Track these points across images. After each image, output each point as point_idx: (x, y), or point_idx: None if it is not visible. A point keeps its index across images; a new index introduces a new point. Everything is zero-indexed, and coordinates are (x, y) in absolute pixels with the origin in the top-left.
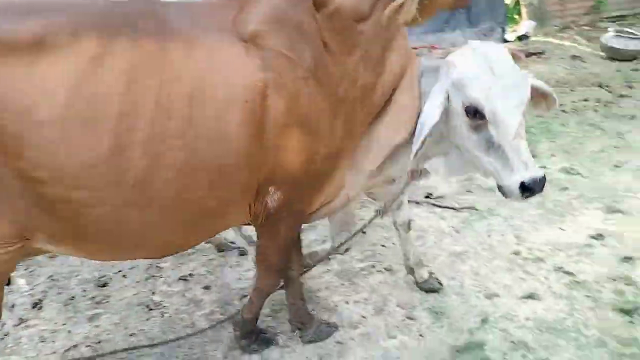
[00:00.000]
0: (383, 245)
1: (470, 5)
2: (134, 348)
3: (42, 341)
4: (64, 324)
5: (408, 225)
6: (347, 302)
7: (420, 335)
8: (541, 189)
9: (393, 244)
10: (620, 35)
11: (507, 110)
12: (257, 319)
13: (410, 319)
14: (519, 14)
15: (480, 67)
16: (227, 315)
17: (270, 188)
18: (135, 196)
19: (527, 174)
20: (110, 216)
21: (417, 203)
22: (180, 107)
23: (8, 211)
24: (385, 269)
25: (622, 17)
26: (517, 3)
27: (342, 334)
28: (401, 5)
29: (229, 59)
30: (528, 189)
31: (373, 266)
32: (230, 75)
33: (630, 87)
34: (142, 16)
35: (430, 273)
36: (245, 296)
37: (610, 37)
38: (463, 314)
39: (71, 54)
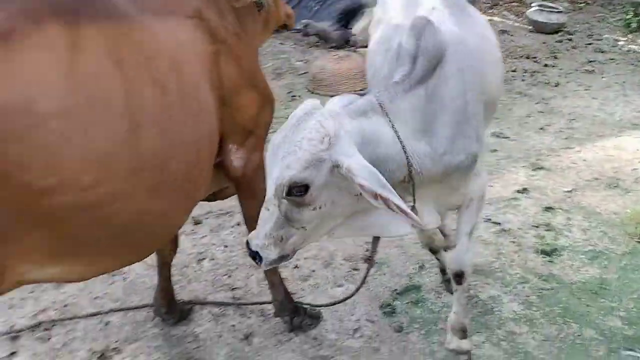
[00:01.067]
0: None
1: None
2: (99, 314)
3: (10, 308)
4: (31, 292)
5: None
6: (297, 259)
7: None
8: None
9: None
10: (543, 10)
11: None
12: (289, 295)
13: (355, 269)
14: None
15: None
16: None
17: (229, 146)
18: (155, 181)
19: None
20: (127, 213)
21: None
22: (170, 81)
23: None
24: None
25: None
26: None
27: (293, 285)
28: None
29: (186, 36)
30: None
31: None
32: (191, 50)
33: (555, 58)
34: (86, 3)
35: None
36: (201, 260)
37: (534, 11)
38: (403, 262)
39: (46, 43)
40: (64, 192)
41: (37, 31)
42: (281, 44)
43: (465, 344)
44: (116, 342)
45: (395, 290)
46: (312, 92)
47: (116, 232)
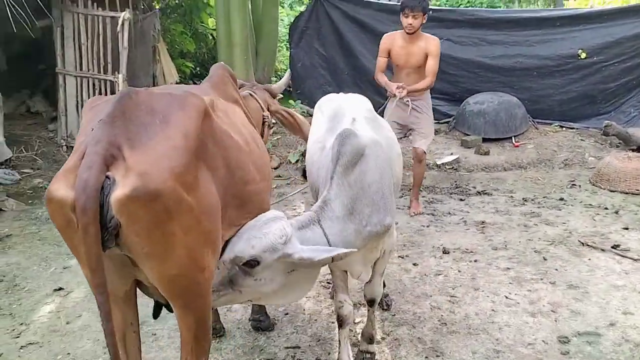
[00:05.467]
0: None
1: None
2: None
3: None
4: None
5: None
6: None
7: None
8: None
9: None
10: None
11: None
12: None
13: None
14: None
15: (259, 219)
16: None
17: None
18: (266, 180)
19: None
20: (264, 194)
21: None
22: (250, 129)
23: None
24: None
25: None
26: None
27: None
28: None
29: (240, 109)
30: None
31: None
32: (243, 115)
33: None
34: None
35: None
36: None
37: None
38: None
39: (225, 107)
40: (252, 183)
41: (219, 102)
42: (582, 140)
43: (372, 348)
44: None
45: None
46: (594, 185)
47: (261, 206)
